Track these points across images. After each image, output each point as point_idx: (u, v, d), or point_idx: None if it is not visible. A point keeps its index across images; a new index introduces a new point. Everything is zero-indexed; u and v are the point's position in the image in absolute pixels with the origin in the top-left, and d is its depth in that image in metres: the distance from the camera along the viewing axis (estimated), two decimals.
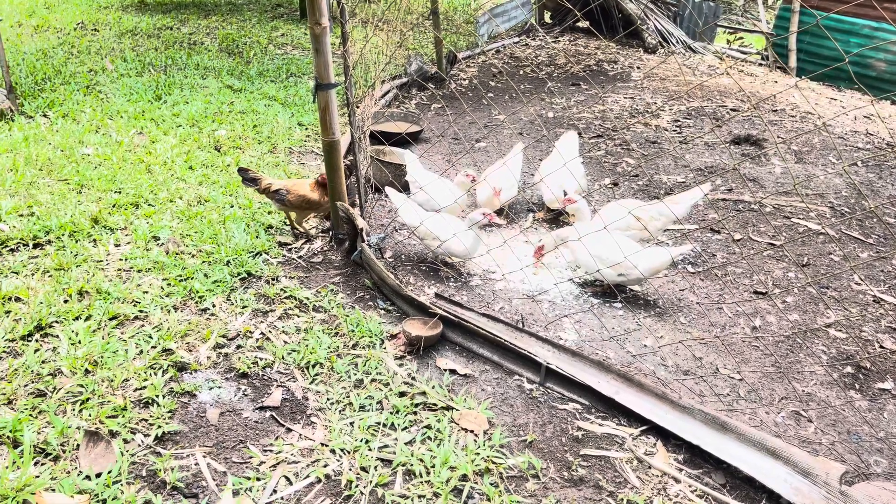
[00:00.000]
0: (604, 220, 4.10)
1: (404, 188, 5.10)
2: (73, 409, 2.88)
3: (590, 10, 11.70)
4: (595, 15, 11.90)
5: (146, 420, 2.88)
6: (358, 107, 4.63)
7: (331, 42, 3.89)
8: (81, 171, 5.12)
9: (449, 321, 3.62)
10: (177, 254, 4.15)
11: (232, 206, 4.84)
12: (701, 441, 2.86)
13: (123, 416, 2.86)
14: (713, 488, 2.77)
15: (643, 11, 11.48)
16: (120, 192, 4.89)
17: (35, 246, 4.12)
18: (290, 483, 2.66)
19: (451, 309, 3.69)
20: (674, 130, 7.44)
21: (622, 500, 2.68)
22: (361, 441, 2.87)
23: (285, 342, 3.51)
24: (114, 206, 4.69)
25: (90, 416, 2.85)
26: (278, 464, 2.74)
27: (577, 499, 2.68)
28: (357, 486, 2.65)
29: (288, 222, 4.71)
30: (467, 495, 2.66)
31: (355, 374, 3.29)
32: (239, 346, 3.44)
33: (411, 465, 2.76)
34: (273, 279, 4.07)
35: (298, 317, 3.74)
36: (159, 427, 2.84)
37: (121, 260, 4.06)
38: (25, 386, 2.98)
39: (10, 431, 2.70)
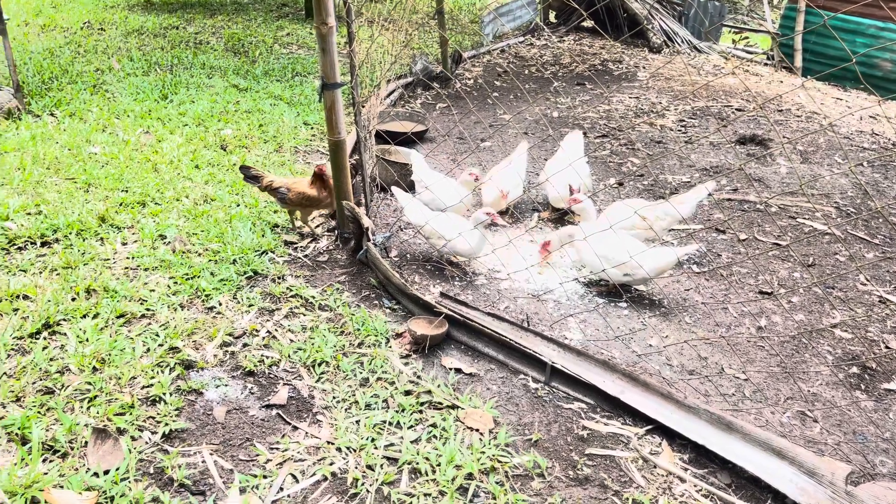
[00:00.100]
0: (609, 219, 4.10)
1: (410, 187, 5.11)
2: (81, 407, 2.90)
3: (595, 10, 11.69)
4: (600, 14, 11.89)
5: (153, 418, 2.90)
6: (363, 106, 4.64)
7: (336, 41, 3.90)
8: (88, 169, 5.14)
9: (454, 320, 3.62)
10: (183, 252, 4.17)
11: (238, 205, 4.86)
12: (706, 441, 2.86)
13: (131, 414, 2.88)
14: (718, 488, 2.78)
15: (648, 11, 11.46)
16: (127, 191, 4.91)
17: (43, 244, 4.14)
18: (297, 481, 2.67)
19: (457, 308, 3.70)
20: (679, 130, 7.43)
21: (627, 499, 2.69)
22: (367, 439, 2.88)
23: (291, 340, 3.52)
24: (121, 204, 4.71)
25: (98, 413, 2.86)
26: (285, 462, 2.76)
27: (582, 498, 2.69)
28: (363, 485, 2.66)
29: (291, 221, 4.72)
30: (473, 494, 2.66)
31: (361, 373, 3.30)
32: (245, 345, 3.46)
33: (417, 463, 2.77)
34: (279, 278, 4.08)
35: (304, 315, 3.75)
36: (166, 425, 2.86)
37: (128, 258, 4.08)
38: (34, 383, 3.00)
39: (19, 428, 2.71)
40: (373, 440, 2.88)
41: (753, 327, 3.95)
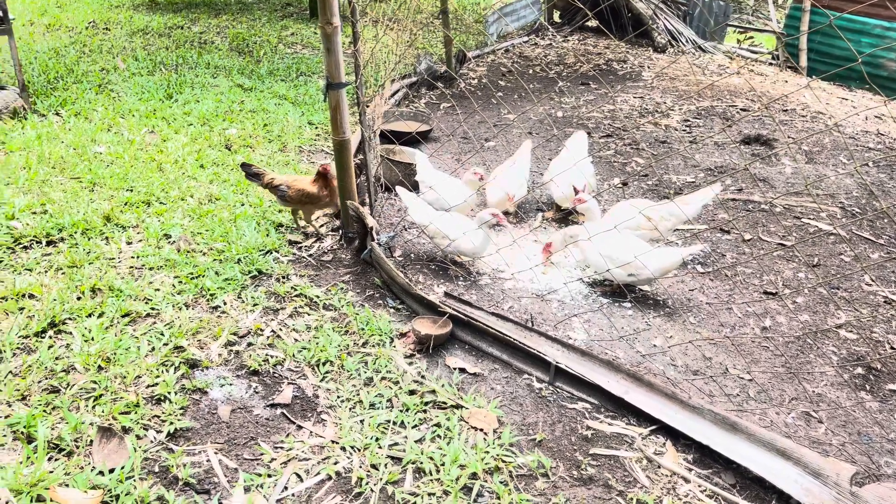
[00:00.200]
0: (614, 219, 4.10)
1: (414, 187, 5.11)
2: (87, 405, 2.91)
3: (599, 10, 11.68)
4: (605, 14, 11.87)
5: (158, 416, 2.91)
6: (368, 106, 4.64)
7: (341, 41, 3.90)
8: (94, 169, 5.16)
9: (458, 320, 3.63)
10: (188, 252, 4.18)
11: (243, 205, 4.87)
12: (711, 441, 2.85)
13: (136, 413, 2.89)
14: (723, 488, 2.77)
15: (653, 11, 11.44)
16: (132, 191, 4.93)
17: (48, 243, 4.15)
18: (301, 480, 2.67)
19: (461, 308, 3.70)
20: (683, 130, 7.42)
21: (632, 499, 2.69)
22: (372, 439, 2.88)
23: (296, 340, 3.53)
24: (126, 203, 4.72)
25: (103, 412, 2.87)
26: (289, 461, 2.76)
27: (586, 498, 2.69)
28: (367, 484, 2.67)
29: (295, 221, 4.73)
30: (477, 493, 2.67)
31: (365, 372, 3.31)
32: (250, 344, 3.46)
33: (421, 462, 2.77)
34: (283, 277, 4.09)
35: (309, 315, 3.76)
36: (171, 423, 2.87)
37: (133, 257, 4.09)
38: (39, 382, 3.01)
39: (25, 427, 2.72)
40: (377, 439, 2.89)
41: (758, 327, 3.94)
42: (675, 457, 2.92)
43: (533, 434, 3.01)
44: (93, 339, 3.30)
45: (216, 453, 2.76)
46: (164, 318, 3.55)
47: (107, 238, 4.28)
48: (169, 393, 3.03)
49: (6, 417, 2.77)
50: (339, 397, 3.14)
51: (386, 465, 2.76)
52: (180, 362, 3.23)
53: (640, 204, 4.39)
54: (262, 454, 2.78)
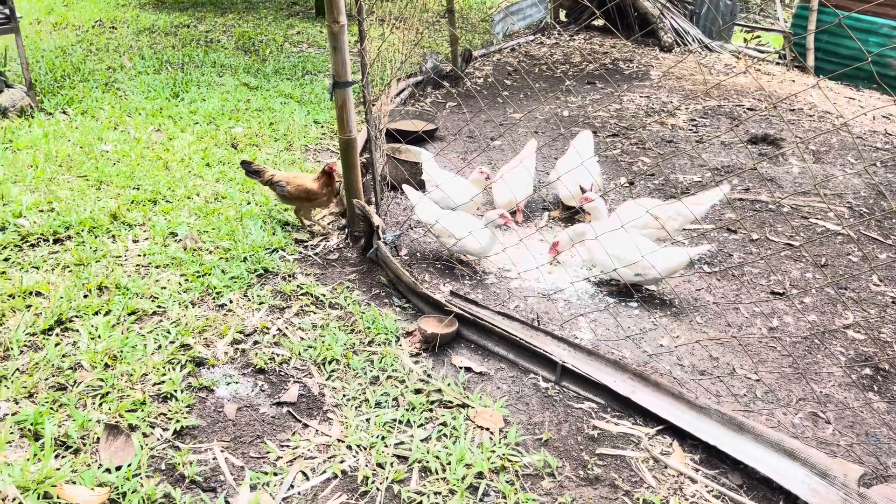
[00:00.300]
0: (621, 219, 4.09)
1: (420, 186, 5.11)
2: (93, 403, 2.91)
3: (606, 9, 11.65)
4: (611, 13, 11.84)
5: (165, 414, 2.91)
6: (374, 105, 4.64)
7: (347, 40, 3.90)
8: (100, 167, 5.17)
9: (464, 319, 3.62)
10: (194, 250, 4.19)
11: (249, 203, 4.87)
12: (718, 441, 2.84)
13: (142, 410, 2.89)
14: (730, 489, 2.76)
15: (660, 10, 11.41)
16: (138, 189, 4.94)
17: (55, 241, 4.16)
18: (307, 478, 2.67)
19: (467, 307, 3.70)
20: (690, 129, 7.39)
21: (638, 499, 2.68)
22: (377, 437, 2.88)
23: (302, 338, 3.53)
24: (132, 202, 4.73)
25: (110, 409, 2.88)
26: (295, 459, 2.76)
27: (592, 498, 2.68)
28: (373, 483, 2.66)
29: (300, 220, 4.73)
30: (483, 493, 2.66)
31: (371, 371, 3.31)
32: (256, 342, 3.47)
33: (427, 461, 2.77)
34: (289, 276, 4.09)
35: (315, 313, 3.76)
36: (178, 421, 2.87)
37: (139, 256, 4.10)
38: (46, 379, 3.02)
39: (32, 424, 2.73)
40: (383, 438, 2.88)
41: (765, 328, 3.92)
42: (681, 457, 2.91)
43: (539, 433, 3.01)
44: (99, 336, 3.31)
45: (222, 451, 2.77)
46: (170, 317, 3.56)
47: (113, 236, 4.29)
48: (175, 391, 3.03)
49: (14, 415, 2.78)
50: (344, 396, 3.14)
51: (392, 463, 2.76)
52: (187, 360, 3.24)
53: (647, 203, 4.38)
54: (268, 452, 2.78)
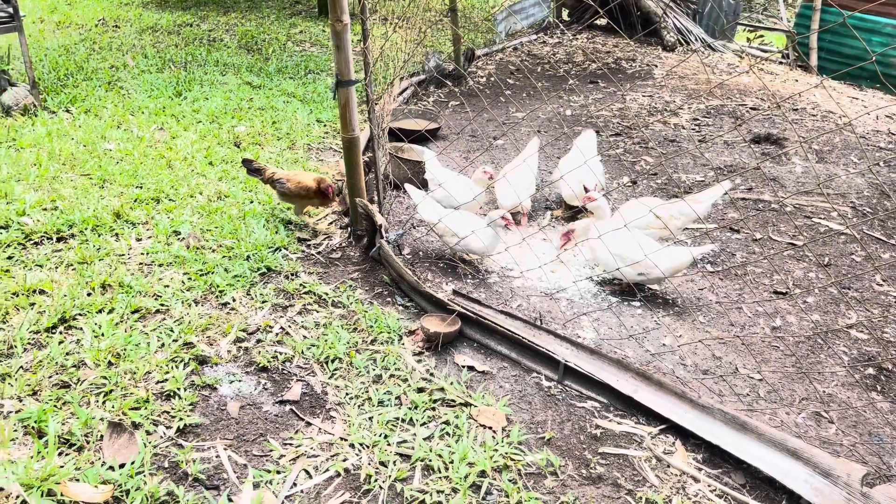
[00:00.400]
0: (624, 218, 4.08)
1: (423, 185, 5.11)
2: (97, 401, 2.92)
3: (608, 8, 11.64)
4: (613, 12, 11.83)
5: (168, 412, 2.92)
6: (377, 104, 4.64)
7: (350, 39, 3.90)
8: (103, 165, 5.18)
9: (467, 318, 3.62)
10: (197, 248, 4.19)
11: (252, 202, 4.88)
12: (720, 441, 2.84)
13: (146, 408, 2.90)
14: (733, 488, 2.76)
15: (662, 9, 11.39)
16: (141, 187, 4.94)
17: (59, 239, 4.17)
18: (310, 476, 2.68)
19: (469, 306, 3.70)
20: (693, 129, 7.39)
21: (641, 498, 2.68)
22: (380, 436, 2.88)
23: (304, 337, 3.54)
24: (135, 200, 4.74)
25: (113, 407, 2.88)
26: (298, 457, 2.77)
27: (595, 496, 2.68)
28: (376, 481, 2.67)
29: (303, 219, 4.73)
30: (486, 491, 2.66)
31: (374, 370, 3.31)
32: (259, 341, 3.47)
33: (430, 460, 2.77)
34: (292, 274, 4.10)
35: (317, 312, 3.76)
36: (181, 419, 2.88)
37: (142, 254, 4.10)
38: (50, 377, 3.02)
39: (35, 422, 2.74)
40: (386, 437, 2.89)
41: (768, 327, 3.92)
42: (684, 456, 2.91)
43: (542, 432, 3.01)
44: (103, 334, 3.32)
45: (225, 449, 2.77)
46: (173, 315, 3.56)
47: (117, 234, 4.30)
48: (178, 389, 3.04)
49: (17, 412, 2.79)
50: (347, 394, 3.15)
51: (395, 462, 2.76)
52: (190, 358, 3.24)
53: (651, 202, 4.38)
54: (271, 450, 2.79)
